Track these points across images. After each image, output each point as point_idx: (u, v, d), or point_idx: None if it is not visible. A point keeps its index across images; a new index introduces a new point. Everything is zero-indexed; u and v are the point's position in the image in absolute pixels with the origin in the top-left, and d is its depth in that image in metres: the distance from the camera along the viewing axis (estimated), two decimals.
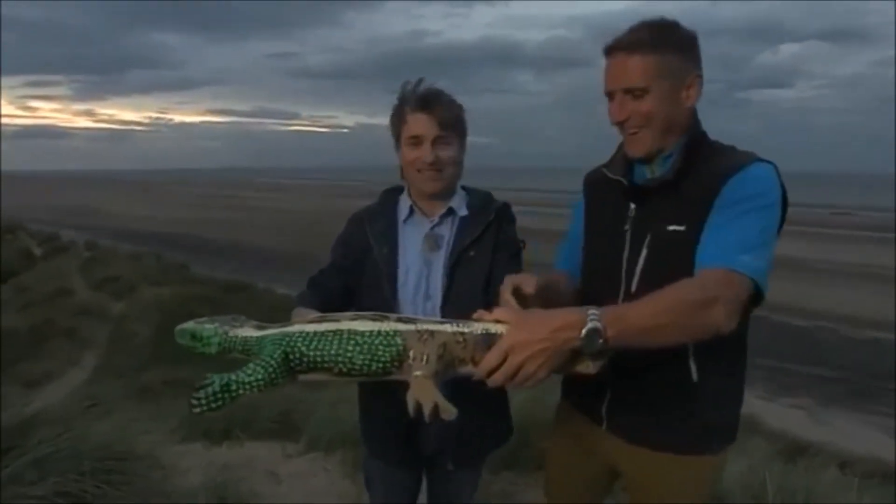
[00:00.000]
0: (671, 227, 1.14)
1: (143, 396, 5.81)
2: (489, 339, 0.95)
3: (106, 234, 32.60)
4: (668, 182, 1.15)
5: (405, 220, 1.43)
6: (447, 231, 1.41)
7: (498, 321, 0.97)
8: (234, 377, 0.95)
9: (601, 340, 0.91)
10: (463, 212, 1.42)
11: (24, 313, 12.02)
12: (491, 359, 0.93)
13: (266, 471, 2.76)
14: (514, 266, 1.38)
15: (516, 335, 0.92)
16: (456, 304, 1.31)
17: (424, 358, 0.96)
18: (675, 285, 1.01)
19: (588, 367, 0.96)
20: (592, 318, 0.91)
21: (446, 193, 1.41)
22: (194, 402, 0.94)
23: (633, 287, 1.18)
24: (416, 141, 1.35)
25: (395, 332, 0.98)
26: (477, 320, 0.99)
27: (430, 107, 1.34)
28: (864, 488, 2.49)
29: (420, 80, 1.38)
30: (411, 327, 0.98)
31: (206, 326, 1.06)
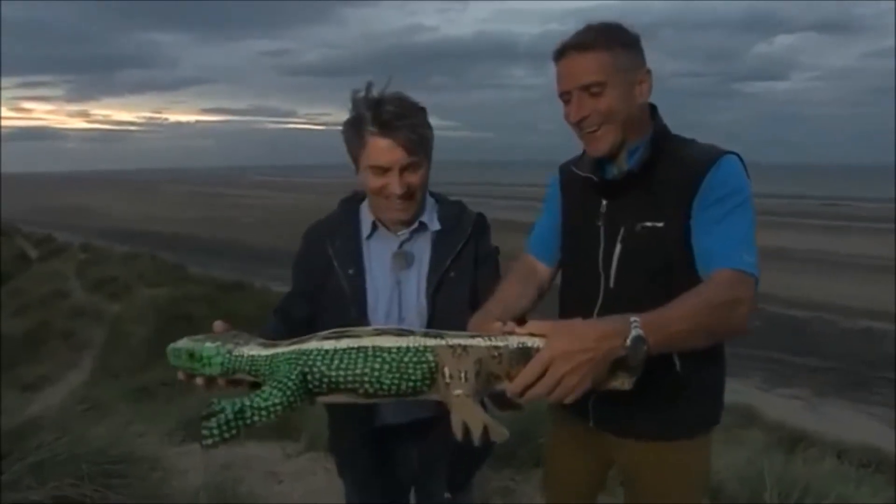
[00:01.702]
0: (648, 223, 1.15)
1: (140, 398, 5.80)
2: (526, 353, 0.89)
3: (101, 234, 32.45)
4: (634, 175, 1.16)
5: (369, 237, 1.29)
6: (418, 248, 1.29)
7: (532, 334, 0.92)
8: (248, 402, 0.87)
9: (645, 348, 0.89)
10: (435, 226, 1.29)
11: (20, 317, 11.97)
12: (530, 372, 0.87)
13: (266, 471, 2.76)
14: (497, 278, 1.32)
15: (558, 345, 0.87)
16: (442, 329, 1.17)
17: (463, 375, 0.88)
18: (699, 289, 1.01)
19: (623, 384, 0.92)
20: (635, 325, 0.88)
21: (416, 217, 1.28)
22: (206, 433, 0.86)
23: (612, 282, 1.20)
24: (382, 170, 1.19)
25: (426, 347, 0.90)
26: (510, 334, 0.92)
27: (394, 131, 1.16)
28: (861, 478, 2.51)
29: (369, 86, 1.19)
30: (441, 342, 0.90)
31: (207, 345, 0.95)
